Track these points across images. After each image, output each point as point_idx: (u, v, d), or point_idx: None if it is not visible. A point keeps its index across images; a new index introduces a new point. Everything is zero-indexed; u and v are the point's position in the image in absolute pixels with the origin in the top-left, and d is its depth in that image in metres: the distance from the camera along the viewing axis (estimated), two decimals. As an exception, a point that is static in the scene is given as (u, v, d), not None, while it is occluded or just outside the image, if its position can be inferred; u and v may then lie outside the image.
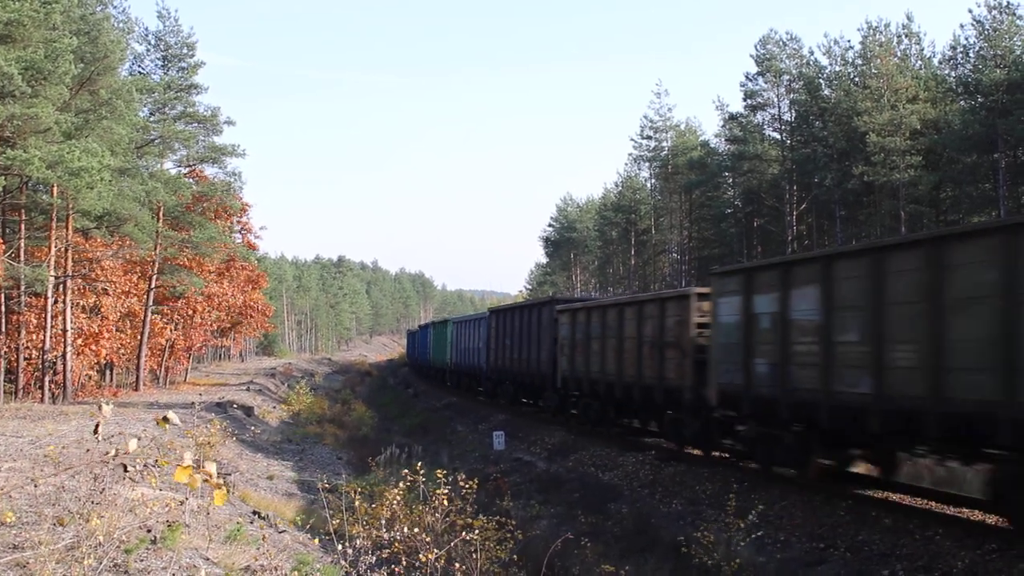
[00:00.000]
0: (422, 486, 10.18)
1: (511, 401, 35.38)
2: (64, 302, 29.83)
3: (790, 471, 16.33)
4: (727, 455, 19.12)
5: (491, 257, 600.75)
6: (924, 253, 12.30)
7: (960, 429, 11.68)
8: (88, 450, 12.78)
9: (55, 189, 26.94)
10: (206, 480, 3.92)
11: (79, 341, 31.60)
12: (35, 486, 10.26)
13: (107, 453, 4.69)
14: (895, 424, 12.80)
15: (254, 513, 14.68)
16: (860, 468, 15.95)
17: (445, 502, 9.88)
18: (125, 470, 5.15)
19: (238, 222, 54.22)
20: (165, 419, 4.16)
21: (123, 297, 34.97)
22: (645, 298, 22.89)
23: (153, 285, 38.61)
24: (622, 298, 26.93)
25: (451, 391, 47.89)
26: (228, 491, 16.19)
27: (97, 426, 4.55)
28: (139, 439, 4.29)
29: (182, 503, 10.36)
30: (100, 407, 4.37)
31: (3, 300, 27.40)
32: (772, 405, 15.66)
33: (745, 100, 54.61)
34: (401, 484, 10.44)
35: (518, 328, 33.42)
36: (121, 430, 17.67)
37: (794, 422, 15.46)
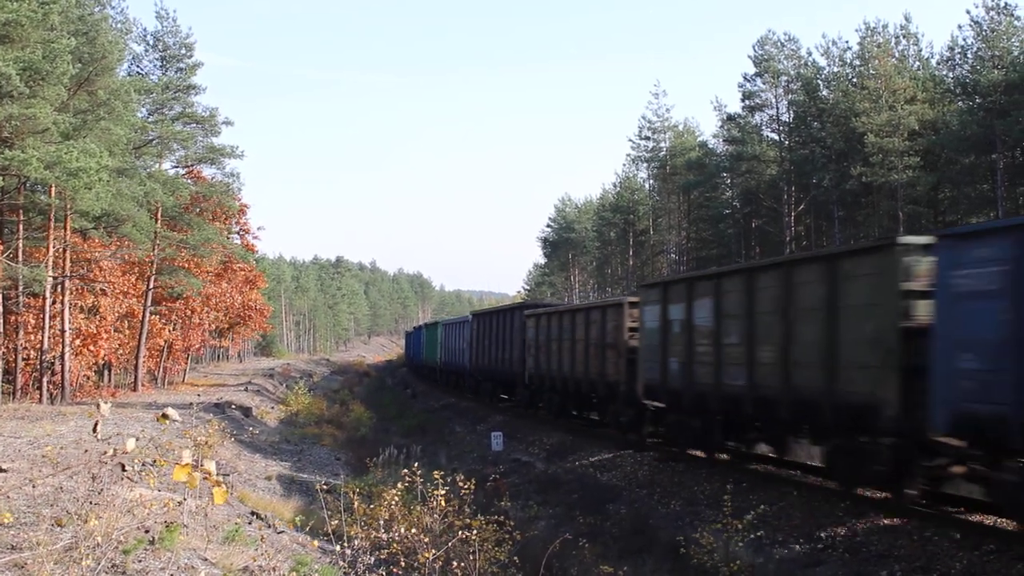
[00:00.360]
0: (420, 487, 10.18)
1: (490, 397, 38.73)
2: (62, 302, 29.79)
3: (699, 452, 19.46)
4: (658, 440, 21.53)
5: (489, 258, 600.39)
6: (780, 273, 15.76)
7: (803, 412, 15.08)
8: (86, 451, 12.77)
9: (53, 189, 26.91)
10: (205, 478, 3.93)
11: (77, 341, 31.57)
12: (33, 487, 10.26)
13: (105, 453, 4.70)
14: (762, 409, 16.09)
15: (252, 514, 14.69)
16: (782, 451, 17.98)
17: (443, 503, 9.88)
18: (123, 469, 5.17)
19: (236, 223, 54.16)
20: (164, 416, 4.17)
21: (121, 297, 34.95)
22: (590, 306, 27.43)
23: (151, 286, 38.59)
24: (574, 305, 33.35)
25: (450, 392, 48.06)
26: (227, 491, 16.21)
27: (96, 425, 4.55)
28: (137, 439, 4.29)
29: (180, 504, 10.36)
30: (98, 406, 4.38)
31: (1, 301, 27.36)
32: (680, 396, 19.00)
33: (743, 101, 54.67)
34: (399, 485, 10.44)
35: (495, 330, 37.09)
36: (119, 430, 17.68)
37: (696, 410, 18.57)
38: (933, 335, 11.80)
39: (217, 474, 4.00)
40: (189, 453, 3.90)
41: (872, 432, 13.24)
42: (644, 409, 21.54)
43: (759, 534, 13.15)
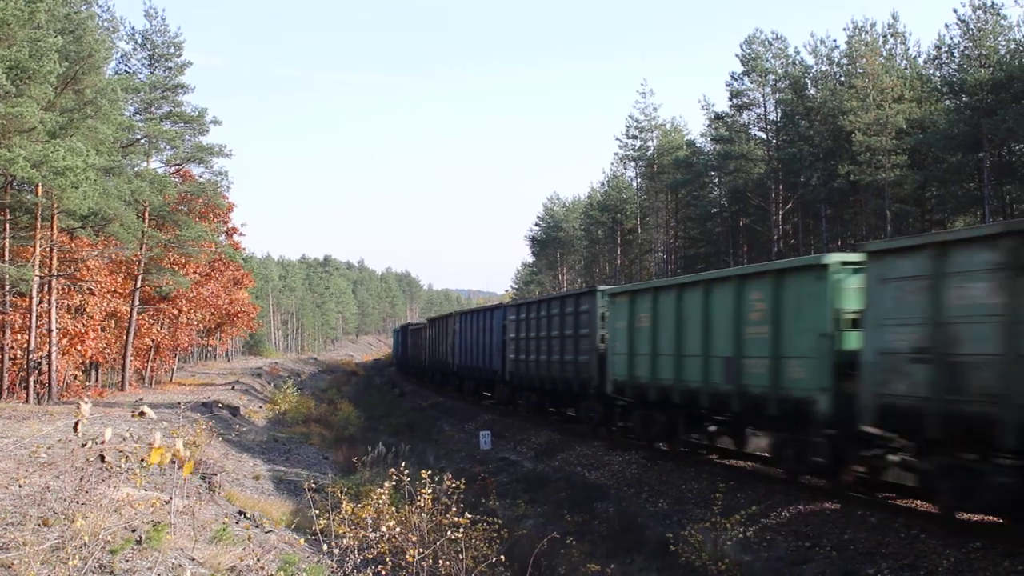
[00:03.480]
0: (407, 486, 10.17)
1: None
2: (49, 302, 29.62)
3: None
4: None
5: (478, 256, 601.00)
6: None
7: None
8: (73, 450, 12.71)
9: (40, 188, 26.78)
10: (174, 454, 3.96)
11: (64, 341, 31.40)
12: (19, 486, 10.23)
13: (84, 444, 4.71)
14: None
15: (240, 513, 14.63)
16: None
17: (430, 502, 9.87)
18: (103, 460, 5.18)
19: (224, 222, 53.92)
20: (141, 413, 4.21)
21: (108, 297, 34.79)
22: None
23: (139, 285, 38.44)
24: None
25: (438, 391, 48.18)
26: (214, 491, 16.15)
27: (77, 423, 4.56)
28: (124, 439, 4.30)
29: (167, 503, 10.33)
30: (79, 405, 4.39)
31: (-13, 300, 27.22)
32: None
33: (731, 100, 54.81)
34: (387, 484, 10.43)
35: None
36: (104, 429, 17.55)
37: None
38: None
39: (200, 472, 4.03)
40: (160, 434, 3.92)
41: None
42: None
43: (747, 533, 13.20)
